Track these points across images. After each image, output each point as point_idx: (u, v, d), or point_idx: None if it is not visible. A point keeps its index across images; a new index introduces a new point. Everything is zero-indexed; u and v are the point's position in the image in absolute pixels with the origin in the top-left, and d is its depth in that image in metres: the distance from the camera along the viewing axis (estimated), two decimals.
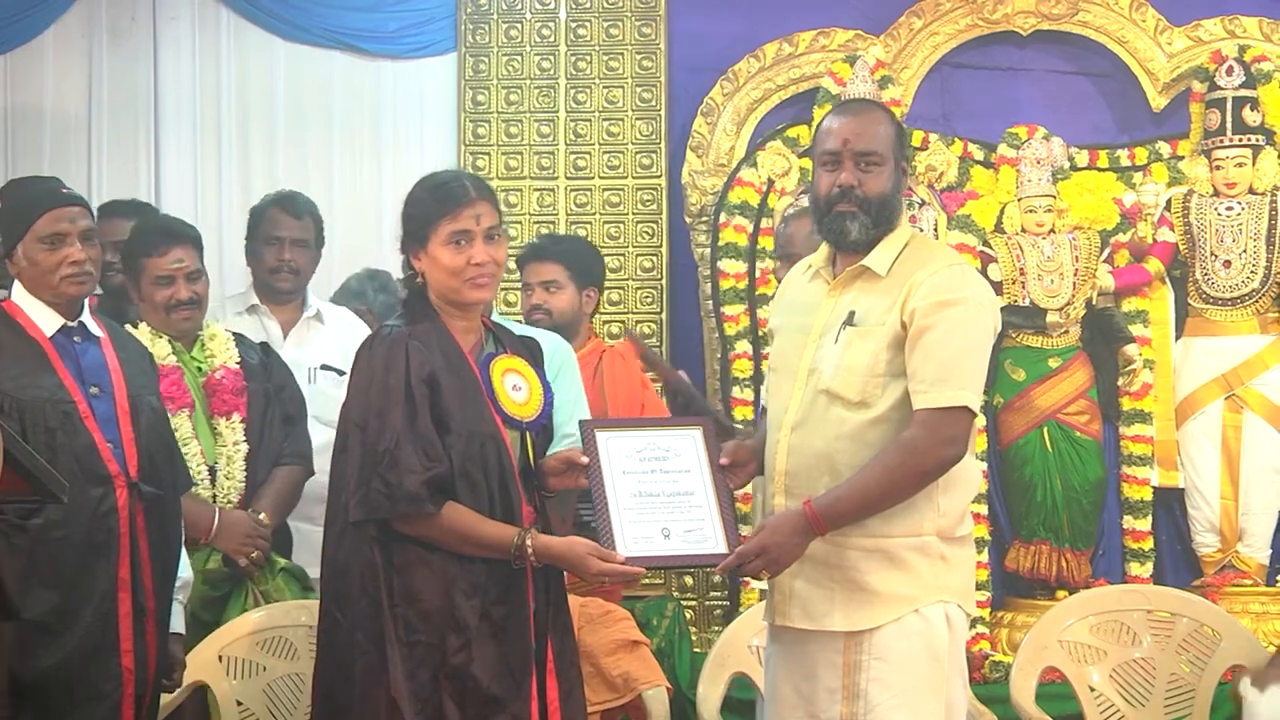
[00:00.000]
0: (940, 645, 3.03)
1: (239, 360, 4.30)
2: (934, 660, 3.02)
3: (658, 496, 3.21)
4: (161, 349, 4.21)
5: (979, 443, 5.41)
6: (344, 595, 3.18)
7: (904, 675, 3.01)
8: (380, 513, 3.12)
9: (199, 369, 4.28)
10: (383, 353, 3.19)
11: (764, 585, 4.11)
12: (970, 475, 3.13)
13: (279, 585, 4.17)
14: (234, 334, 4.44)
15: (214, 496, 4.18)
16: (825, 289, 3.21)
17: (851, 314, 3.13)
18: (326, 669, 3.23)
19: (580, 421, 3.37)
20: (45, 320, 3.55)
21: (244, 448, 4.22)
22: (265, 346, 4.52)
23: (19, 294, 3.58)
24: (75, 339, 3.58)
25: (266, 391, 4.32)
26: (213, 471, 4.20)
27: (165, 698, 3.76)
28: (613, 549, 3.11)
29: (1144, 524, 5.50)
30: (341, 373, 4.63)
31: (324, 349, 4.83)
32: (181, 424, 4.15)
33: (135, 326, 4.24)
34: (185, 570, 3.73)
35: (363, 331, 5.13)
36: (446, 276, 3.24)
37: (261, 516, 4.18)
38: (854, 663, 3.03)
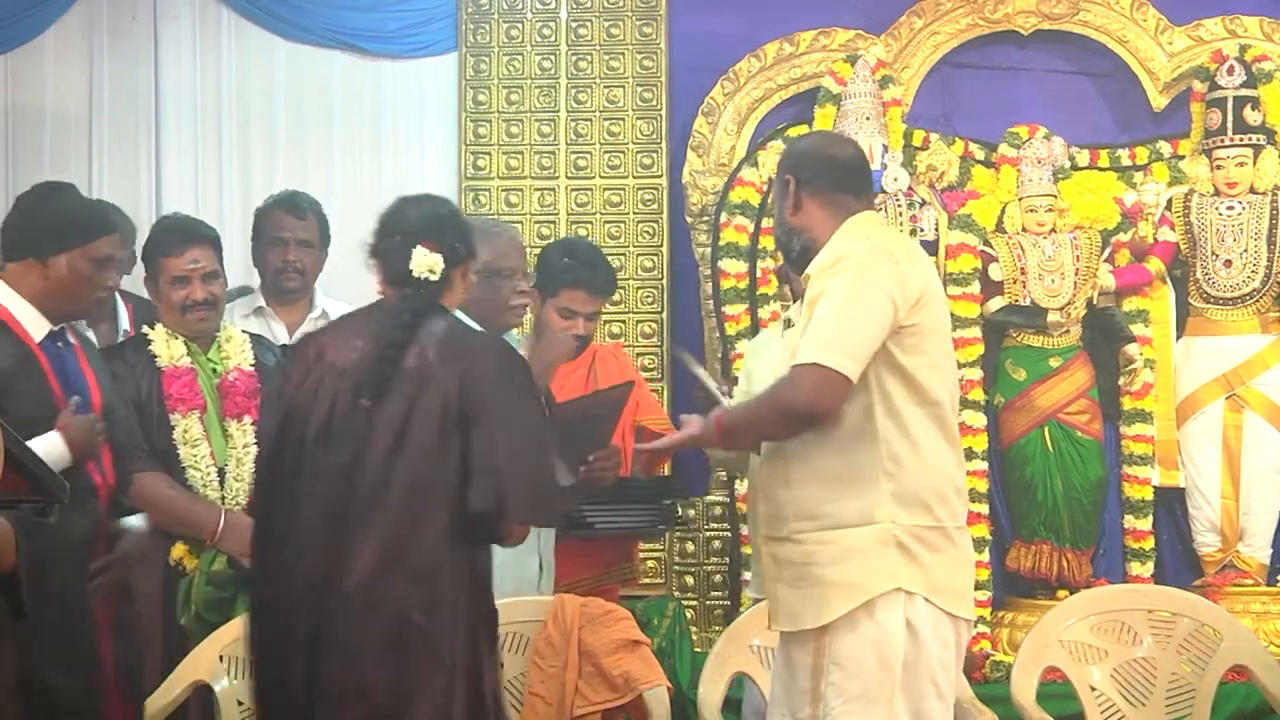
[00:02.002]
0: (892, 654, 3.02)
1: (254, 362, 4.29)
2: (884, 669, 3.01)
3: None
4: (177, 350, 4.21)
5: (979, 442, 5.42)
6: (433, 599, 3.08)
7: (854, 682, 3.02)
8: (544, 518, 3.31)
9: (214, 370, 4.27)
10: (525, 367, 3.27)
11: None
12: (930, 463, 3.08)
13: None
14: (254, 336, 4.44)
15: (222, 498, 4.17)
16: None
17: (788, 320, 3.31)
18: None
19: None
20: (34, 326, 3.55)
21: (254, 450, 4.21)
22: (285, 349, 4.51)
23: (7, 296, 3.56)
24: (58, 344, 3.59)
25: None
26: (222, 473, 4.19)
27: (166, 697, 3.78)
28: None
29: (1145, 524, 5.50)
30: None
31: None
32: (192, 425, 4.15)
33: (153, 327, 4.25)
34: (136, 520, 3.76)
35: None
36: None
37: None
38: (818, 666, 3.06)
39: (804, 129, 5.60)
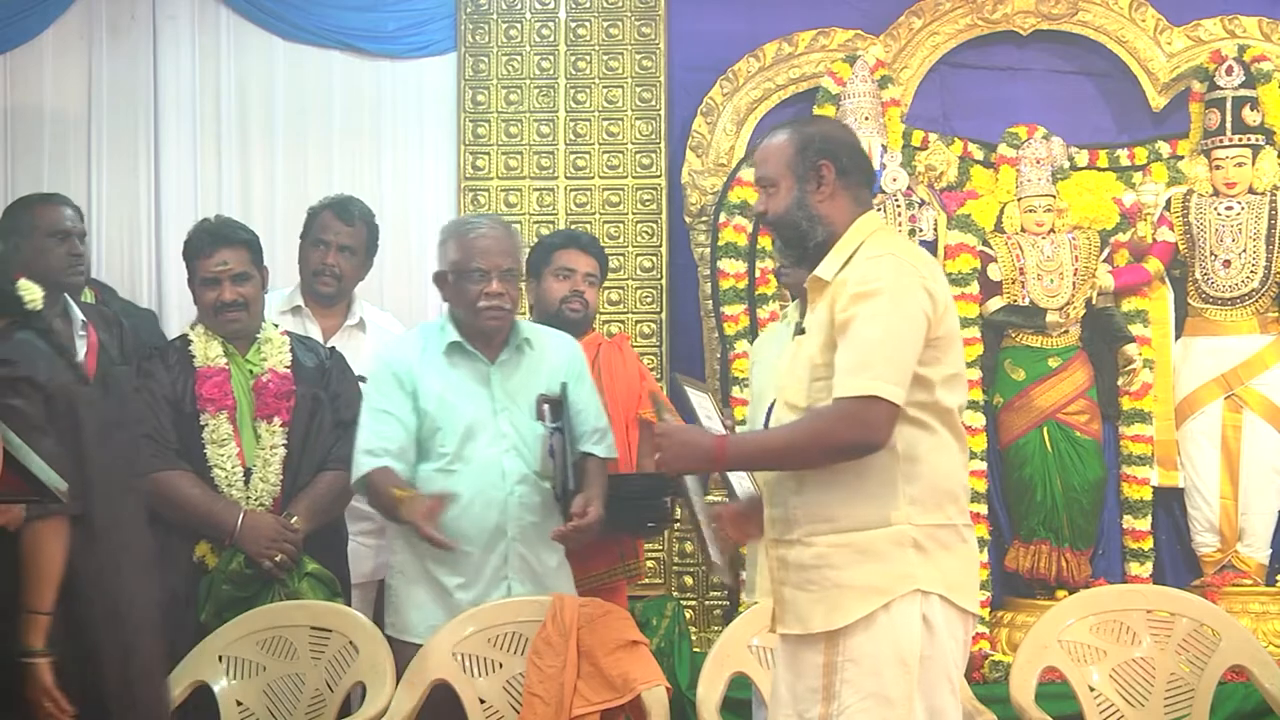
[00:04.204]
0: (910, 651, 3.01)
1: (289, 364, 4.32)
2: (902, 665, 3.01)
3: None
4: (213, 350, 4.28)
5: (978, 442, 5.42)
6: None
7: (872, 679, 3.00)
8: None
9: (252, 371, 4.31)
10: None
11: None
12: (943, 463, 3.09)
13: (305, 589, 4.17)
14: (299, 337, 4.47)
15: (247, 499, 4.20)
16: (807, 302, 3.25)
17: (799, 324, 3.21)
18: None
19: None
20: None
21: (281, 451, 4.24)
22: (333, 351, 4.52)
23: None
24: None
25: (316, 396, 4.31)
26: (248, 473, 4.21)
27: None
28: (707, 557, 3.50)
29: (1144, 524, 5.50)
30: None
31: (364, 358, 4.71)
32: (220, 425, 4.21)
33: (193, 329, 4.31)
34: None
35: None
36: None
37: (294, 520, 4.18)
38: (831, 663, 3.04)
39: None
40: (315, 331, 4.90)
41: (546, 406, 4.09)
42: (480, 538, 4.04)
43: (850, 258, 3.13)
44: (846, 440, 3.00)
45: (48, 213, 4.57)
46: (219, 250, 4.29)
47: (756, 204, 3.29)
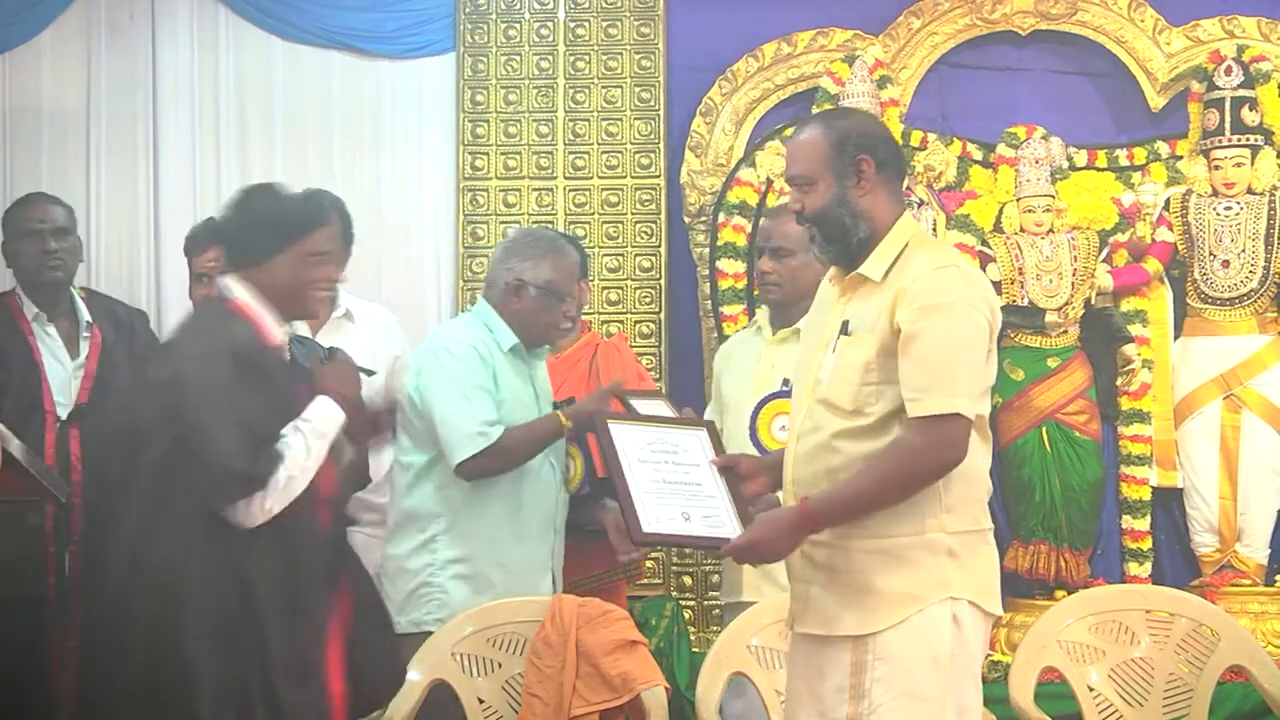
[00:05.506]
0: (942, 650, 3.02)
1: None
2: (934, 664, 3.02)
3: (676, 484, 3.37)
4: None
5: None
6: None
7: (905, 677, 3.01)
8: None
9: None
10: None
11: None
12: (975, 470, 3.10)
13: None
14: (299, 337, 4.41)
15: None
16: (836, 297, 3.22)
17: (846, 323, 3.14)
18: None
19: (592, 414, 3.70)
20: (276, 330, 3.52)
21: None
22: (332, 350, 4.50)
23: (252, 300, 3.45)
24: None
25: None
26: None
27: None
28: (637, 525, 3.24)
29: (1142, 524, 5.50)
30: (371, 373, 4.59)
31: (354, 349, 4.71)
32: None
33: None
34: None
35: (395, 330, 5.10)
36: None
37: None
38: (860, 662, 3.04)
39: None
40: (303, 328, 4.89)
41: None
42: (541, 529, 4.22)
43: (895, 260, 3.10)
44: (938, 463, 3.00)
45: (21, 213, 4.60)
46: (211, 247, 4.29)
47: (791, 201, 3.20)
